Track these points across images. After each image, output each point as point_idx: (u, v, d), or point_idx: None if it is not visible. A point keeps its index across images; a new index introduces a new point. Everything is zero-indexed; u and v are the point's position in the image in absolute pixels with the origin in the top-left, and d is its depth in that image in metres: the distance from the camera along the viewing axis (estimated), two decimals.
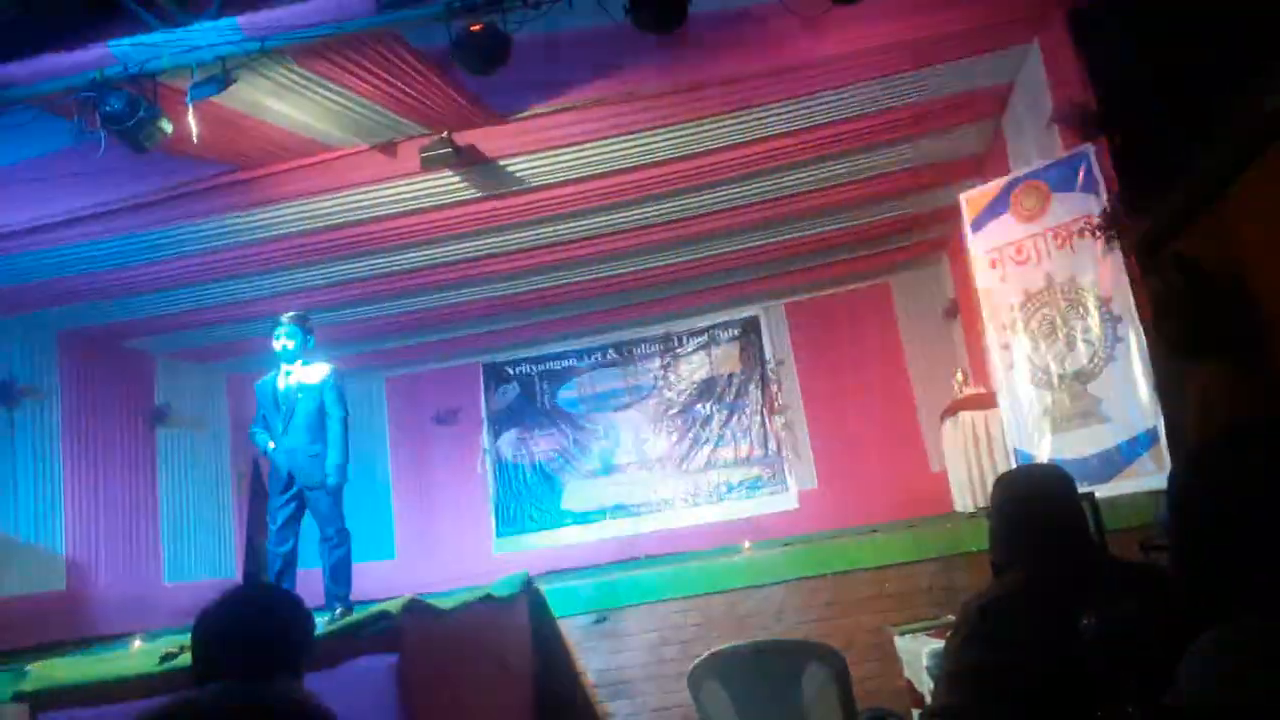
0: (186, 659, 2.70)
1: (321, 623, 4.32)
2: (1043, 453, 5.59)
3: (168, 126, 4.87)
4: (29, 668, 4.26)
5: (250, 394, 10.60)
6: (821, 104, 6.44)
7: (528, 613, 5.75)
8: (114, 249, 6.99)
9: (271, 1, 4.65)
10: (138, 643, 5.46)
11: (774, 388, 11.17)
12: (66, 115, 4.88)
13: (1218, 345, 4.49)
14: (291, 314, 5.61)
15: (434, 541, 11.08)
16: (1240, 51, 4.11)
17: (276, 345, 5.49)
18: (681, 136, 6.60)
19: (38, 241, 6.60)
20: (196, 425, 10.07)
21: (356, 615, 4.33)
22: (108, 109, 4.68)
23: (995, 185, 6.11)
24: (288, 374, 5.46)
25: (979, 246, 6.12)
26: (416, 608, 3.98)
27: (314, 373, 5.50)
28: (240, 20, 4.60)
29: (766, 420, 11.15)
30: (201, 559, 9.67)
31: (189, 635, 2.12)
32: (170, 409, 9.66)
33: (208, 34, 4.62)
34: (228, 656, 2.02)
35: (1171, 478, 1.45)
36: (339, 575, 5.28)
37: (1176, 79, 4.71)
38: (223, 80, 4.71)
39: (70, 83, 4.77)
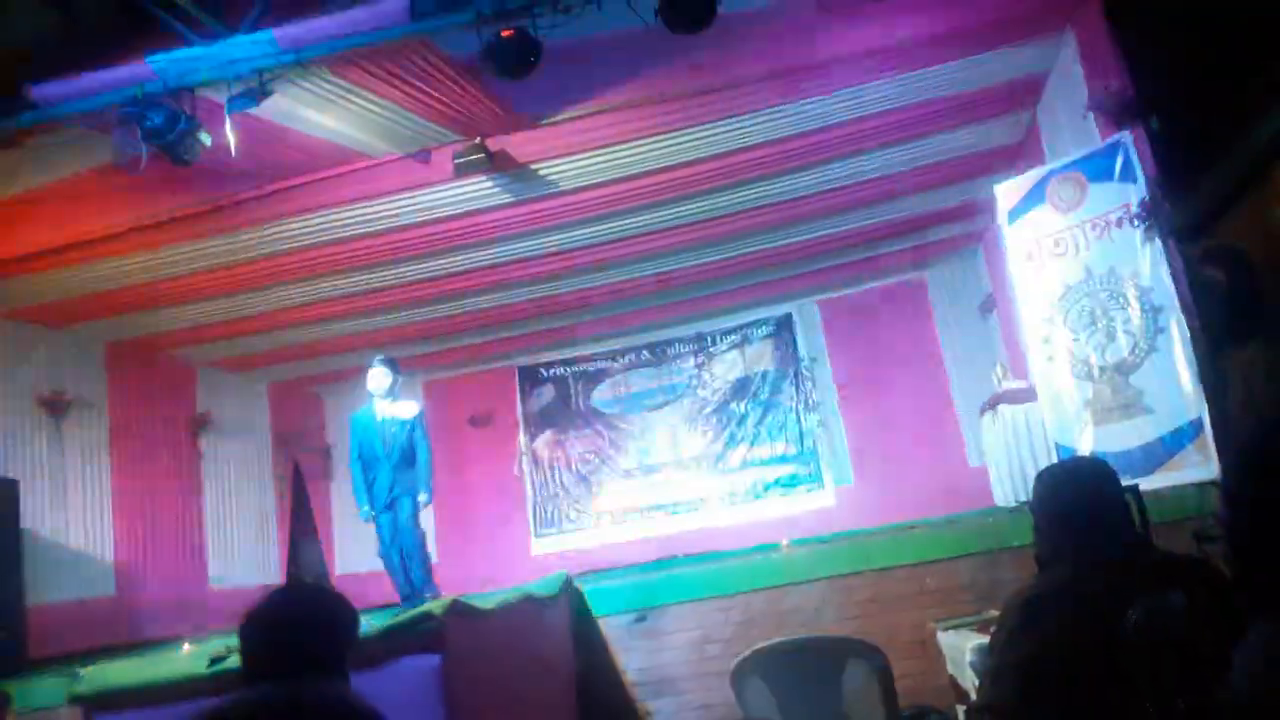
0: (235, 661, 2.74)
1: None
2: (1084, 445, 5.53)
3: (207, 139, 4.96)
4: (82, 671, 4.34)
5: (289, 402, 10.92)
6: (853, 99, 6.41)
7: (569, 612, 5.75)
8: (156, 261, 7.12)
9: (306, 13, 4.71)
10: (187, 646, 5.55)
11: (809, 385, 11.13)
12: (108, 131, 4.99)
13: (1260, 332, 4.41)
14: (383, 357, 6.51)
15: (473, 542, 11.16)
16: (1278, 33, 4.04)
17: (371, 384, 6.36)
18: (712, 135, 6.60)
19: (82, 255, 6.74)
20: (238, 432, 10.22)
21: (400, 616, 4.38)
22: (149, 124, 4.77)
23: (1031, 176, 6.04)
24: (382, 408, 6.35)
25: (1016, 238, 6.06)
26: (459, 608, 4.00)
27: (404, 409, 6.41)
28: (276, 33, 4.68)
29: (801, 418, 11.11)
30: (245, 563, 9.82)
31: (236, 638, 2.15)
32: (212, 417, 9.82)
33: (244, 47, 4.71)
34: (275, 656, 2.05)
35: (1224, 468, 1.44)
36: (426, 569, 6.33)
37: (1213, 63, 4.64)
38: (260, 92, 4.79)
39: (111, 99, 4.87)
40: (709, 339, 11.56)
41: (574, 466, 11.55)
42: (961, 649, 4.25)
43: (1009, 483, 7.43)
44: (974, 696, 3.26)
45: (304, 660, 2.03)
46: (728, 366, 11.48)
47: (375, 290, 8.50)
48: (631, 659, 5.81)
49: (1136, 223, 5.20)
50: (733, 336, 11.53)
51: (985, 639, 3.44)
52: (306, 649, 2.05)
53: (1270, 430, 1.40)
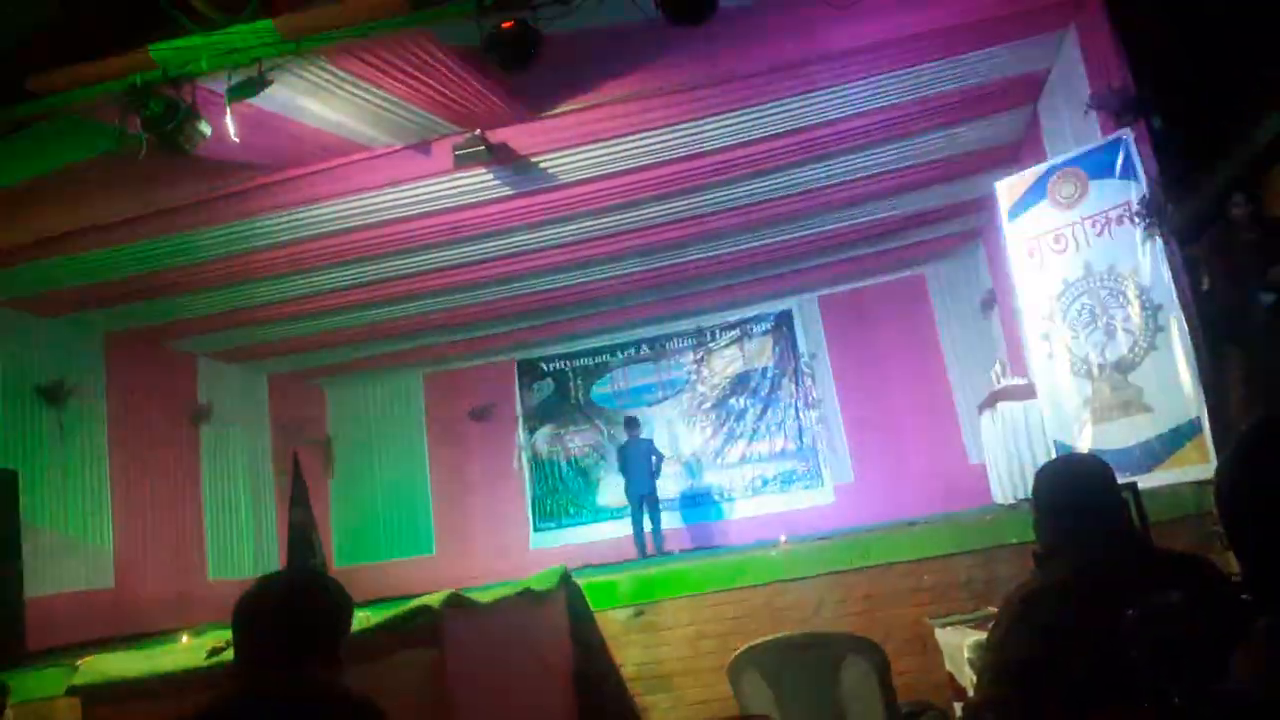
0: (233, 653, 2.73)
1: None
2: (1083, 443, 5.52)
3: (206, 129, 4.94)
4: (80, 663, 4.33)
5: (290, 394, 10.96)
6: (855, 93, 6.40)
7: (566, 606, 5.77)
8: (156, 251, 7.11)
9: (306, 3, 4.69)
10: (185, 638, 5.54)
11: (808, 381, 11.13)
12: (108, 120, 4.97)
13: (1259, 333, 4.42)
14: (632, 416, 10.57)
15: (472, 536, 11.17)
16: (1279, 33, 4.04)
17: (627, 428, 10.31)
18: (712, 130, 6.59)
19: (82, 245, 6.73)
20: (238, 424, 10.22)
21: (398, 609, 4.38)
22: (148, 113, 4.75)
23: (1032, 173, 6.04)
24: (638, 441, 10.10)
25: (1016, 235, 6.05)
26: (457, 602, 4.00)
27: (645, 442, 10.11)
28: (275, 22, 4.65)
29: (801, 414, 11.10)
30: (245, 555, 9.82)
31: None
32: (212, 408, 9.81)
33: (244, 36, 4.68)
34: (269, 643, 2.01)
35: (1218, 465, 1.43)
36: (658, 536, 9.72)
37: (1215, 62, 4.64)
38: (259, 82, 4.77)
39: (111, 88, 4.86)
40: (709, 334, 11.56)
41: (573, 460, 11.55)
42: (959, 646, 4.25)
43: (1008, 480, 7.43)
44: (971, 693, 3.26)
45: (298, 647, 2.00)
46: (727, 362, 11.48)
47: (375, 282, 8.49)
48: (629, 653, 5.81)
49: (1137, 220, 5.19)
50: (733, 332, 11.52)
51: (983, 636, 3.44)
52: (300, 635, 2.02)
53: (1263, 428, 1.39)
